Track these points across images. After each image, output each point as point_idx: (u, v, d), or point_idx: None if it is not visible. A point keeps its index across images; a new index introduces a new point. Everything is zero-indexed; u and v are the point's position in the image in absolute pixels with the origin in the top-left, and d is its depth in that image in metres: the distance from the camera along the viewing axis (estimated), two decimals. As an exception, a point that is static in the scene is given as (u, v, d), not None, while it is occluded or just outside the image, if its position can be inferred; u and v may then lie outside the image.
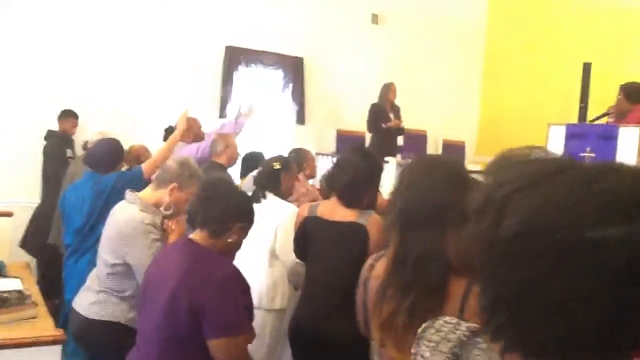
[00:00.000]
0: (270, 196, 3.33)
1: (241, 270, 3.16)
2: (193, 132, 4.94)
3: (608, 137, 4.95)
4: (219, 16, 7.05)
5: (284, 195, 3.42)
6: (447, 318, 0.91)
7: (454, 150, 8.91)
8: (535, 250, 0.63)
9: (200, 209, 2.11)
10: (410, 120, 7.63)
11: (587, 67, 7.06)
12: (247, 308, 2.09)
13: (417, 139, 8.42)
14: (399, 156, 7.17)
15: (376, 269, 1.62)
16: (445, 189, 1.43)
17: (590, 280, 0.61)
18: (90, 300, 2.66)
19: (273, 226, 3.12)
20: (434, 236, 1.40)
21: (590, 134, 5.11)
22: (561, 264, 0.62)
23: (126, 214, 2.61)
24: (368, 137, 7.52)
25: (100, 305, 2.62)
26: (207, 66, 7.03)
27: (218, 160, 4.15)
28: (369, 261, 1.71)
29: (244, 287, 2.08)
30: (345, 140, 7.45)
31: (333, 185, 2.69)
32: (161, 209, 2.65)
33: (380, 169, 2.81)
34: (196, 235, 2.11)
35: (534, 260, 0.63)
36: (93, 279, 2.74)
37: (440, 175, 1.48)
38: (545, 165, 0.69)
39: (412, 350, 0.92)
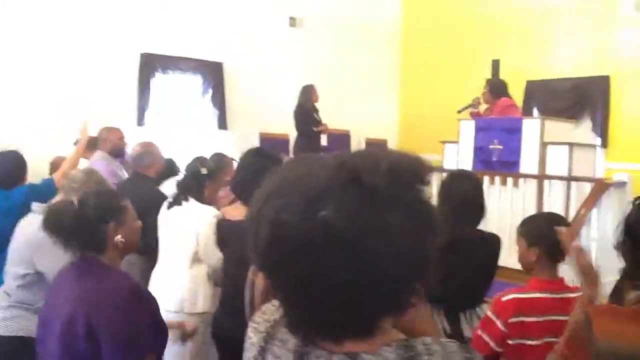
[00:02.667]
0: (192, 200, 3.32)
1: (163, 275, 3.19)
2: (110, 143, 4.83)
3: (513, 130, 5.24)
4: (131, 23, 6.93)
5: (206, 202, 3.42)
6: (274, 301, 0.97)
7: (377, 148, 9.12)
8: (284, 247, 0.75)
9: (70, 244, 1.91)
10: (333, 121, 7.76)
11: (495, 64, 7.45)
12: (155, 321, 1.96)
13: (341, 139, 8.59)
14: (323, 156, 7.27)
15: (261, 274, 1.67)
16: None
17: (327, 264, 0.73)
18: (0, 317, 2.58)
19: (193, 230, 3.11)
20: None
21: (496, 127, 5.39)
22: (307, 250, 0.73)
23: (35, 225, 2.54)
24: (292, 138, 7.60)
25: (13, 320, 2.55)
26: (122, 74, 6.90)
27: (146, 173, 4.05)
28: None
29: (147, 301, 1.96)
30: (269, 143, 7.49)
31: (233, 186, 2.79)
32: None
33: (276, 165, 2.89)
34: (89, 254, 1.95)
35: (289, 255, 0.75)
36: (1, 296, 2.66)
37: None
38: (273, 179, 0.82)
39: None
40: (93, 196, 1.97)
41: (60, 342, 1.79)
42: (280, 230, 0.74)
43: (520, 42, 8.16)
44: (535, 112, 7.90)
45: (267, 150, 2.88)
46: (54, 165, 4.74)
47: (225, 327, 2.61)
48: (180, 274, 3.07)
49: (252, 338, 0.95)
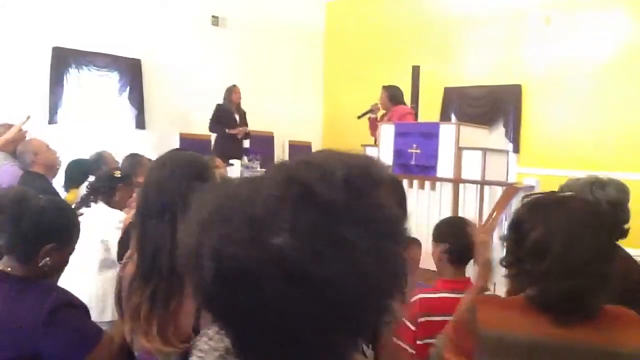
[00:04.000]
0: (100, 204, 3.20)
1: (69, 280, 3.01)
2: (14, 143, 4.54)
3: (430, 134, 5.38)
4: (44, 15, 6.57)
5: (117, 206, 3.29)
6: (214, 326, 0.87)
7: (300, 151, 9.13)
8: (233, 283, 0.64)
9: (5, 229, 1.75)
10: (256, 122, 7.70)
11: (415, 70, 7.62)
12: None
13: (264, 141, 8.53)
14: (245, 158, 7.20)
15: (128, 266, 1.62)
16: (173, 182, 1.50)
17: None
18: None
19: (99, 234, 3.00)
20: (165, 227, 1.47)
21: (414, 132, 5.52)
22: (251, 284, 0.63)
23: None
24: (213, 139, 7.47)
25: None
26: (33, 69, 6.54)
27: (32, 169, 3.85)
28: (124, 260, 1.73)
29: (78, 305, 1.84)
30: (189, 144, 7.33)
31: None
32: None
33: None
34: (4, 265, 1.77)
35: (236, 289, 0.64)
36: None
37: (169, 170, 1.54)
38: (208, 203, 0.70)
39: None
40: (54, 208, 1.84)
41: None
42: (225, 264, 0.63)
43: (439, 50, 8.42)
44: (453, 117, 8.17)
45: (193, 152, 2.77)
46: None
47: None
48: (86, 281, 2.93)
49: None
